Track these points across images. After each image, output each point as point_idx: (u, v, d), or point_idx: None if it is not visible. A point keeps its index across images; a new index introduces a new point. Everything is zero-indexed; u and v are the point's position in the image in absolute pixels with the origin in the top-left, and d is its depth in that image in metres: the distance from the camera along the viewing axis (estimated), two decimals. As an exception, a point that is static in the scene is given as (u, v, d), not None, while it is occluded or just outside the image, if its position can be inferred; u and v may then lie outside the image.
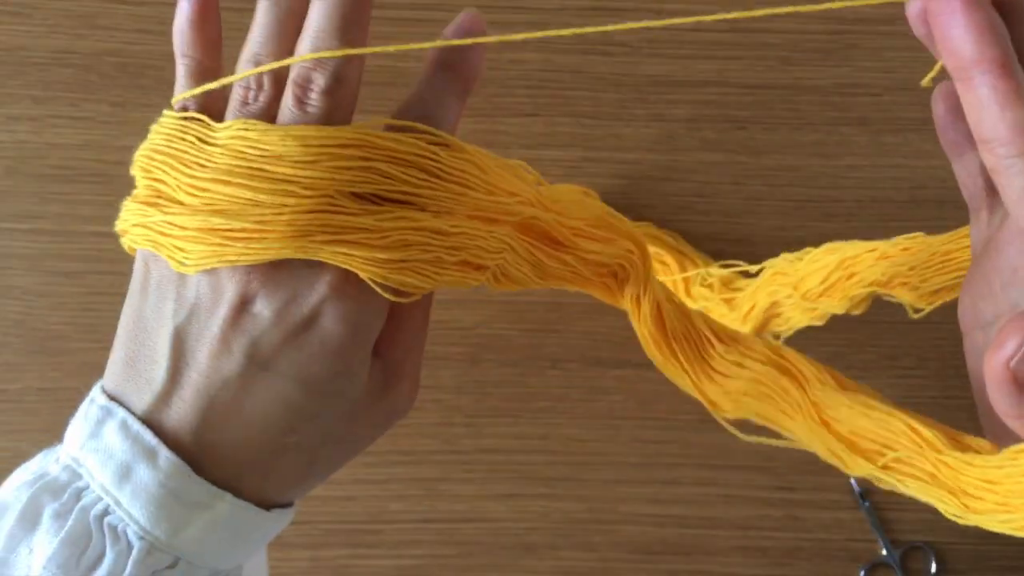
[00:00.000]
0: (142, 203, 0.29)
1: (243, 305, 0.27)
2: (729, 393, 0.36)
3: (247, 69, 0.28)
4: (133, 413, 0.28)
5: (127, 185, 0.49)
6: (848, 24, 0.50)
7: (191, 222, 0.27)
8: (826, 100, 0.49)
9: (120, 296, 0.48)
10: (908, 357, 0.48)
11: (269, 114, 0.28)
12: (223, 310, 0.27)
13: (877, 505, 0.48)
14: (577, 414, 0.48)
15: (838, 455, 0.33)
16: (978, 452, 0.29)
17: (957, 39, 0.25)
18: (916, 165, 0.49)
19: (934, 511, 0.31)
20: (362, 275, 0.28)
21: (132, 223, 0.29)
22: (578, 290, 0.35)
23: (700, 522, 0.47)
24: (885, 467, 0.31)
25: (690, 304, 0.47)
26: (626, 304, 0.36)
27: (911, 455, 0.30)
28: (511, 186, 0.30)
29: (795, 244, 0.49)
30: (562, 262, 0.32)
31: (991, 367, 0.25)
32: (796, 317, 0.43)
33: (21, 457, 0.47)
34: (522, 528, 0.47)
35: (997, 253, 0.30)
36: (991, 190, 0.31)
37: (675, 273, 0.47)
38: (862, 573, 0.47)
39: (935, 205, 0.49)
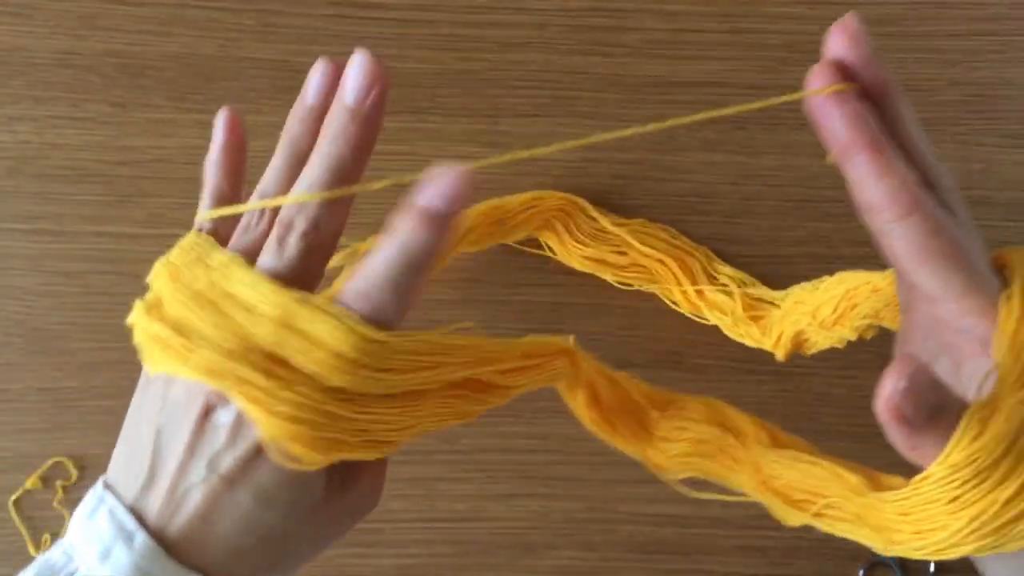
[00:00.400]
0: (146, 305, 0.31)
1: (206, 414, 0.30)
2: (674, 457, 0.37)
3: (255, 200, 0.32)
4: (123, 502, 0.30)
5: (127, 185, 0.49)
6: (848, 24, 0.50)
7: (156, 328, 0.29)
8: (826, 100, 0.49)
9: (120, 296, 0.48)
10: (908, 357, 0.48)
11: (261, 245, 0.31)
12: (192, 414, 0.30)
13: (877, 505, 0.48)
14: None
15: (777, 509, 0.34)
16: (895, 489, 0.30)
17: (833, 129, 0.30)
18: (916, 165, 0.49)
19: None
20: (260, 434, 0.29)
21: (133, 320, 0.31)
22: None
23: (700, 522, 0.48)
24: (817, 514, 0.32)
25: (708, 314, 0.47)
26: (560, 390, 0.37)
27: (838, 500, 0.32)
28: (444, 359, 0.30)
29: (794, 244, 0.49)
30: (495, 397, 0.33)
31: (879, 407, 0.27)
32: (821, 341, 0.45)
33: (21, 457, 0.48)
34: (522, 528, 0.47)
35: (913, 311, 0.32)
36: None
37: (674, 269, 0.47)
38: (861, 573, 0.47)
39: (935, 205, 0.49)
